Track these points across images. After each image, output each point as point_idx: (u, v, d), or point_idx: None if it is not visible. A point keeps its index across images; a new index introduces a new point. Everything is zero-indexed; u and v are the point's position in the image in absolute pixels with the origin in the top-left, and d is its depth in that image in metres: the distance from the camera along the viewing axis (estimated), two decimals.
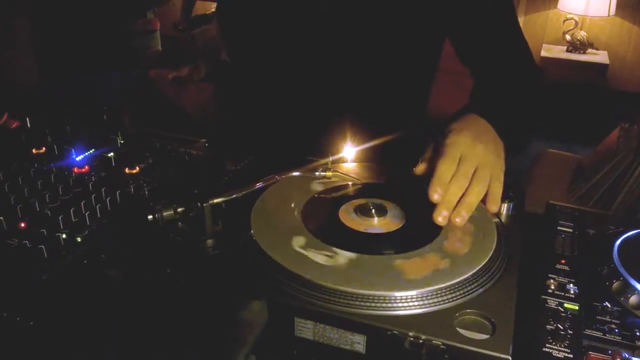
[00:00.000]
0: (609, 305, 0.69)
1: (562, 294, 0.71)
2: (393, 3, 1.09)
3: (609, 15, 3.31)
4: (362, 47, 1.13)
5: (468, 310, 0.67)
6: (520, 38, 1.13)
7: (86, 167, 0.96)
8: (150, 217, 0.77)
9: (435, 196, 0.77)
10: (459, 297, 0.68)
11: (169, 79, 1.74)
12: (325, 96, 1.19)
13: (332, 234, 0.78)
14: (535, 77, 1.15)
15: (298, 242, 0.76)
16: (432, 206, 0.83)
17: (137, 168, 0.96)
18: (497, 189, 0.80)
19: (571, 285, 0.72)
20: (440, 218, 0.77)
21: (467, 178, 0.79)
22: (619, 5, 3.33)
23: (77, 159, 0.98)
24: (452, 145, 0.81)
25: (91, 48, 2.85)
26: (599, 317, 0.67)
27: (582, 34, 3.44)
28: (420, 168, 0.86)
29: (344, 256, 0.73)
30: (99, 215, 0.83)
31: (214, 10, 3.71)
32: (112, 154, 1.00)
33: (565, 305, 0.69)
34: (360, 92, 1.19)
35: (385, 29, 1.11)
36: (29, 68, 2.83)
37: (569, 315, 0.67)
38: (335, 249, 0.75)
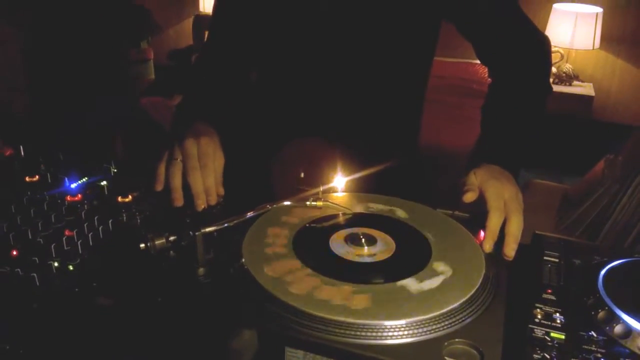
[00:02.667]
0: (595, 335, 0.70)
1: (549, 323, 0.71)
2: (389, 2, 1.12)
3: (593, 49, 3.38)
4: (360, 53, 1.15)
5: (456, 340, 0.67)
6: (517, 8, 1.17)
7: (79, 196, 0.96)
8: (142, 245, 0.78)
9: (490, 248, 0.87)
10: (447, 326, 0.69)
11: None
12: (319, 122, 1.21)
13: (323, 263, 0.79)
14: (541, 44, 1.19)
15: (289, 271, 0.77)
16: (421, 238, 0.87)
17: (130, 197, 0.96)
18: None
19: (557, 314, 0.73)
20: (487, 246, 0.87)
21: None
22: (603, 39, 3.40)
23: (71, 187, 0.99)
24: (495, 196, 0.90)
25: (85, 77, 2.87)
26: (585, 347, 0.68)
27: (567, 67, 3.50)
28: (470, 197, 0.94)
29: (334, 285, 0.74)
30: (91, 244, 0.84)
31: None
32: (105, 182, 1.00)
33: (552, 334, 0.69)
34: (355, 115, 1.21)
35: (383, 30, 1.13)
36: (22, 97, 2.84)
37: (556, 345, 0.68)
38: (325, 278, 0.76)
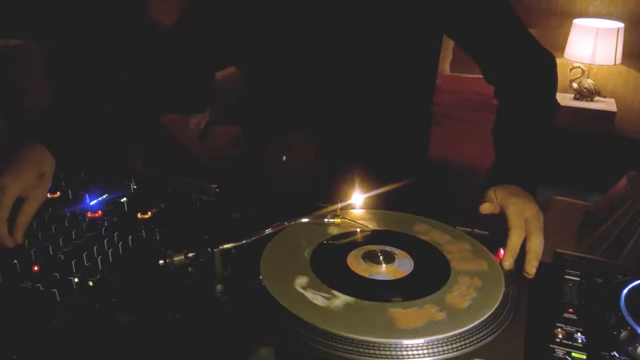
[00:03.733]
0: (617, 355, 0.68)
1: (570, 343, 0.70)
2: (392, 5, 1.11)
3: (615, 64, 3.36)
4: (360, 63, 1.15)
5: (476, 359, 0.67)
6: (521, 27, 1.16)
7: (99, 212, 0.98)
8: (161, 262, 0.79)
9: (508, 266, 0.87)
10: (467, 345, 0.69)
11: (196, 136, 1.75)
12: (331, 141, 1.21)
13: (341, 280, 0.79)
14: (547, 62, 1.18)
15: (306, 288, 0.77)
16: (440, 256, 0.86)
17: (149, 213, 0.97)
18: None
19: (579, 334, 0.72)
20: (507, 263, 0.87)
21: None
22: (624, 54, 3.37)
23: (91, 203, 1.00)
24: (516, 214, 0.91)
25: (103, 92, 2.91)
26: None
27: (588, 82, 3.48)
28: (486, 207, 0.96)
29: (352, 303, 0.74)
30: (110, 260, 0.85)
31: None
32: (125, 199, 1.02)
33: (573, 354, 0.68)
34: (359, 128, 1.21)
35: (383, 40, 1.13)
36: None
37: None
38: (343, 295, 0.75)
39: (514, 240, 0.88)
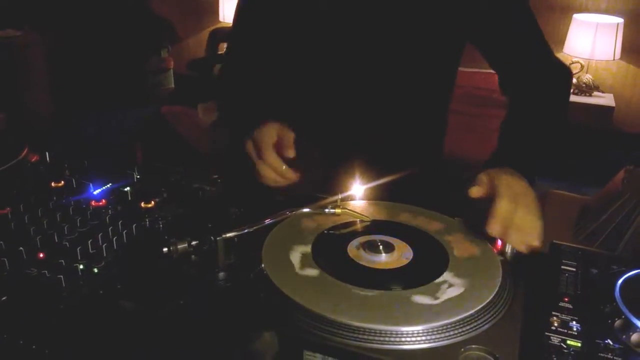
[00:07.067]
0: (611, 343, 0.70)
1: (565, 331, 0.72)
2: (411, 12, 1.12)
3: (614, 59, 3.36)
4: (381, 62, 1.16)
5: (473, 346, 0.68)
6: (543, 42, 1.17)
7: (103, 201, 0.99)
8: (165, 249, 0.80)
9: (495, 231, 0.84)
10: (464, 332, 0.70)
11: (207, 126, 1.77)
12: (340, 132, 1.22)
13: (341, 269, 0.81)
14: (563, 78, 1.19)
15: (307, 276, 0.79)
16: (438, 245, 0.87)
17: (153, 202, 0.99)
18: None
19: (574, 322, 0.73)
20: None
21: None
22: (624, 50, 3.38)
23: (95, 192, 1.01)
24: (507, 186, 0.87)
25: (106, 85, 2.91)
26: (602, 355, 0.68)
27: (587, 77, 3.48)
28: (475, 191, 0.92)
29: (352, 290, 0.75)
30: (115, 248, 0.86)
31: None
32: (128, 188, 1.03)
33: (569, 342, 0.70)
34: (376, 124, 1.22)
35: (405, 41, 1.14)
36: (46, 105, 2.90)
37: (572, 352, 0.68)
38: (343, 283, 0.77)
39: (499, 206, 0.84)
